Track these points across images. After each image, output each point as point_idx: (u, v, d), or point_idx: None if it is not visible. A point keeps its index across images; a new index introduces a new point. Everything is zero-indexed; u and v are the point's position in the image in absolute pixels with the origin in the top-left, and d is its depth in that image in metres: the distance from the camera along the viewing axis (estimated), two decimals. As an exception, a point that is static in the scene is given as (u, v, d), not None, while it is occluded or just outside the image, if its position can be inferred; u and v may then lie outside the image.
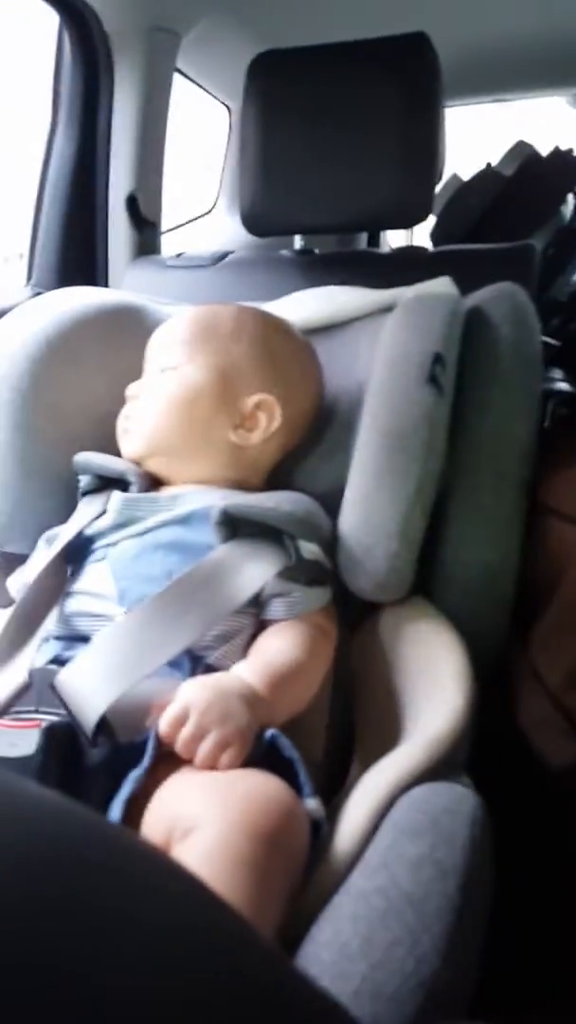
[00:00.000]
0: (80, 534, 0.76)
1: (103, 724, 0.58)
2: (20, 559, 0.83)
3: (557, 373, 1.88)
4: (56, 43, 1.35)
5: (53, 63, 1.36)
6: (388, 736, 0.65)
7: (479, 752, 0.64)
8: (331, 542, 0.75)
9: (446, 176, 2.03)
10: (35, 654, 0.68)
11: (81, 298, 0.92)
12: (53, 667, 0.63)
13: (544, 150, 1.91)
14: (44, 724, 0.57)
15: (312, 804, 0.56)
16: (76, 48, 1.33)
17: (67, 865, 0.28)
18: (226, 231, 1.89)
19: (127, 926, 0.27)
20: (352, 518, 0.74)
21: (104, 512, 0.78)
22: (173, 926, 0.28)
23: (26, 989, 0.23)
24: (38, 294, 1.06)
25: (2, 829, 0.28)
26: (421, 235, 2.12)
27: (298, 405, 0.84)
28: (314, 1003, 0.33)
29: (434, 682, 0.67)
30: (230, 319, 0.84)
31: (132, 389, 0.84)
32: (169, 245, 1.56)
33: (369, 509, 0.73)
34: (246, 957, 0.30)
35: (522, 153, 1.88)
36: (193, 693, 0.59)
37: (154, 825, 0.54)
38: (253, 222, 1.17)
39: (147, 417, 0.81)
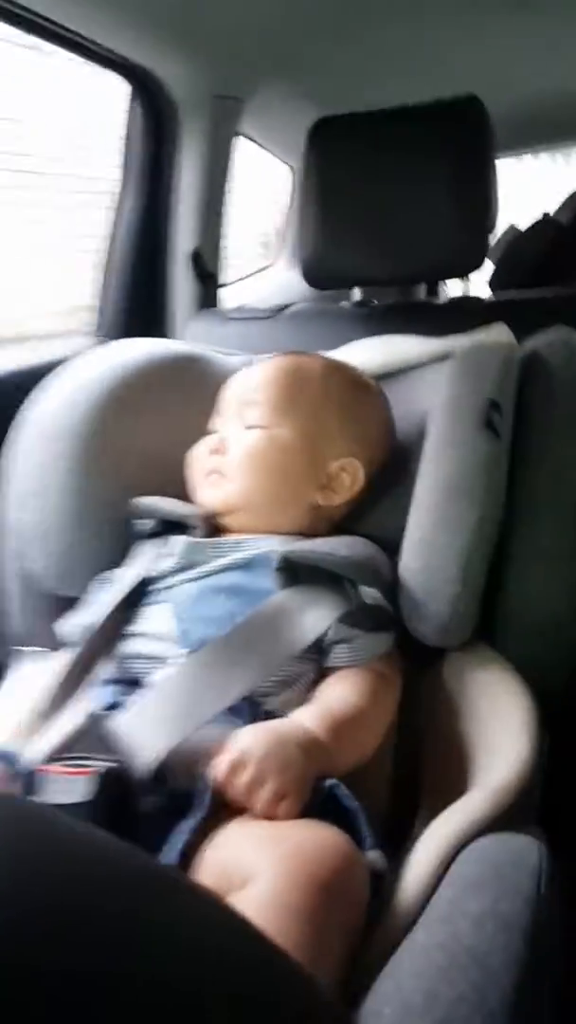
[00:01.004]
0: (141, 577, 0.76)
1: (158, 771, 0.57)
2: (69, 602, 0.83)
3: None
4: (128, 110, 1.40)
5: (124, 128, 1.41)
6: (454, 787, 0.63)
7: (553, 802, 0.61)
8: (392, 587, 0.73)
9: (504, 225, 2.05)
10: (91, 698, 0.68)
11: (143, 348, 0.94)
12: (109, 712, 0.62)
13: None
14: (99, 770, 0.56)
15: (373, 855, 0.54)
16: (144, 114, 1.38)
17: (113, 899, 0.27)
18: (287, 284, 1.92)
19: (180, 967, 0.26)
20: (413, 563, 0.73)
21: (164, 556, 0.77)
22: (221, 971, 0.27)
23: None
24: (102, 343, 1.09)
25: (61, 872, 0.27)
26: (477, 285, 2.12)
27: (377, 462, 0.84)
28: None
29: (500, 730, 0.65)
30: (318, 381, 0.83)
31: (215, 441, 0.82)
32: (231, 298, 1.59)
33: (430, 554, 0.72)
34: (305, 1004, 0.29)
35: (579, 202, 1.88)
36: (251, 740, 0.58)
37: (209, 875, 0.53)
38: (313, 275, 1.18)
39: (238, 475, 0.79)
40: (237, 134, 1.50)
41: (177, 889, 0.31)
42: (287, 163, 1.95)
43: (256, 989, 0.28)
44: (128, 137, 1.42)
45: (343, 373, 0.86)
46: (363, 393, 0.86)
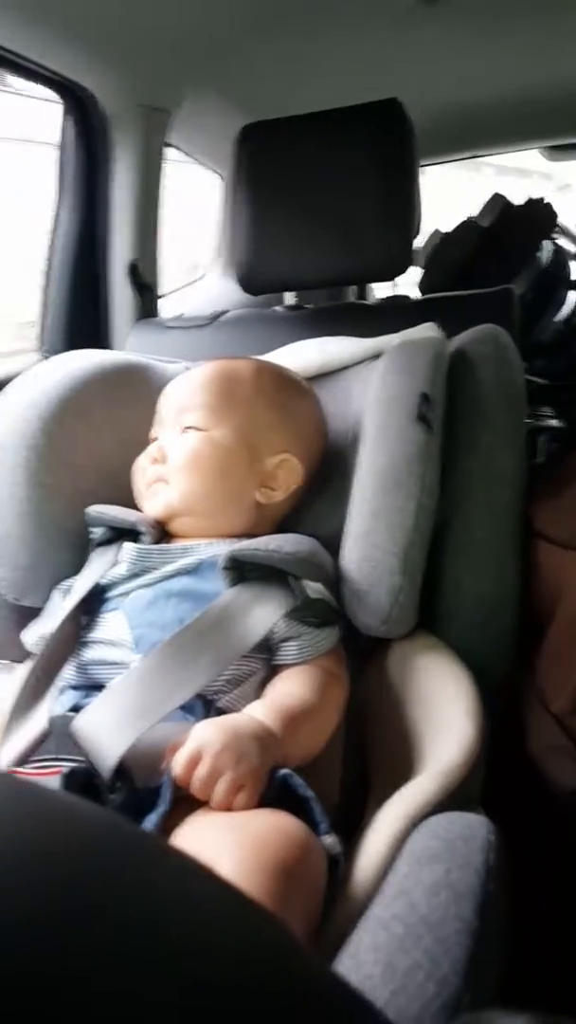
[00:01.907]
0: (95, 585, 0.76)
1: (121, 769, 0.57)
2: (33, 612, 0.83)
3: (547, 410, 1.90)
4: (61, 123, 1.39)
5: (58, 143, 1.40)
6: (401, 771, 0.64)
7: (492, 780, 0.63)
8: (335, 581, 0.74)
9: (429, 231, 2.08)
10: (54, 703, 0.67)
11: (88, 359, 0.94)
12: (71, 715, 0.62)
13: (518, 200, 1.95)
14: (65, 770, 0.57)
15: (328, 840, 0.55)
16: (76, 128, 1.37)
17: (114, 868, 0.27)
18: (223, 292, 1.92)
19: (163, 927, 0.26)
20: (354, 555, 0.74)
21: (117, 563, 0.78)
22: (211, 930, 0.28)
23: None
24: (46, 358, 1.08)
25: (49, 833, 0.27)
26: (404, 287, 2.15)
27: (313, 459, 0.85)
28: (350, 999, 0.32)
29: (444, 715, 0.66)
30: (249, 382, 0.84)
31: (154, 450, 0.82)
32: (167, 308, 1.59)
33: (370, 546, 0.73)
34: (288, 955, 0.29)
35: (499, 205, 1.92)
36: (206, 734, 0.59)
37: None
38: (247, 281, 1.19)
39: (178, 480, 0.80)
40: (167, 145, 1.50)
41: (164, 850, 0.32)
42: (217, 172, 1.95)
43: (237, 933, 0.28)
44: (62, 151, 1.41)
45: (273, 372, 0.87)
46: (294, 390, 0.87)
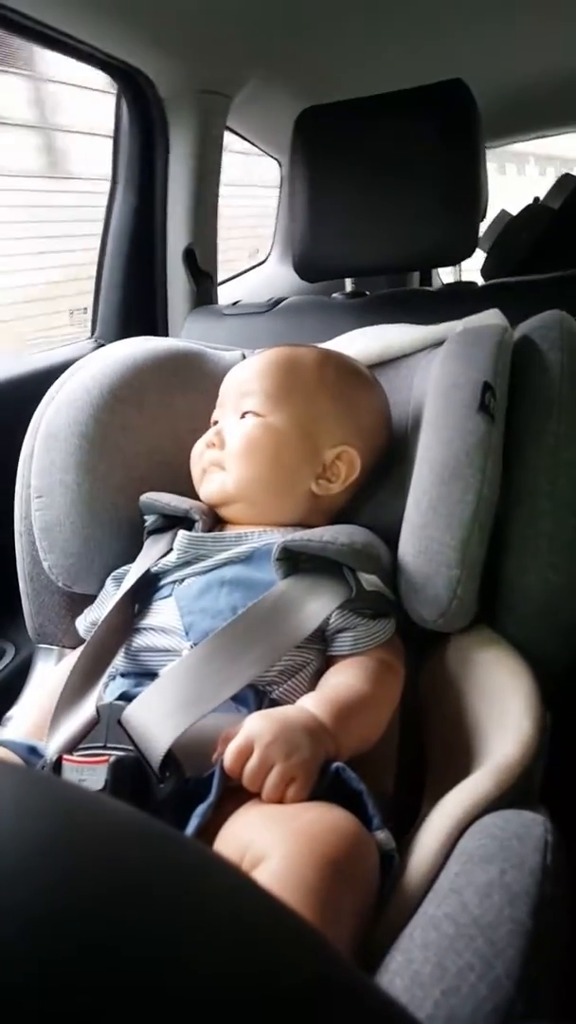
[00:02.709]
0: (147, 572, 0.77)
1: (170, 759, 0.58)
2: (89, 599, 0.85)
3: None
4: (115, 109, 1.40)
5: (113, 127, 1.42)
6: (458, 767, 0.64)
7: (556, 780, 0.62)
8: (392, 573, 0.74)
9: (495, 212, 2.05)
10: (103, 690, 0.69)
11: (141, 346, 0.95)
12: (121, 703, 0.63)
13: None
14: (112, 759, 0.58)
15: (381, 836, 0.55)
16: (133, 113, 1.39)
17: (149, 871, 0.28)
18: (280, 279, 1.93)
19: (201, 933, 0.26)
20: (411, 548, 0.73)
21: (170, 550, 0.79)
22: (250, 934, 0.28)
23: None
24: (100, 345, 1.10)
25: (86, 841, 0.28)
26: (470, 271, 2.12)
27: (374, 451, 0.85)
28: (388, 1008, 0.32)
29: (502, 710, 0.66)
30: (312, 370, 0.84)
31: (212, 435, 0.83)
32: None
33: (428, 538, 0.72)
34: (323, 963, 0.29)
35: (568, 186, 1.88)
36: (257, 726, 0.59)
37: None
38: (305, 268, 1.19)
39: (235, 464, 0.80)
40: (226, 130, 1.51)
41: (204, 859, 0.32)
42: (275, 157, 1.95)
43: (273, 951, 0.29)
44: (117, 136, 1.43)
45: (338, 362, 0.87)
46: (358, 381, 0.87)
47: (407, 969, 0.45)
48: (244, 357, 1.01)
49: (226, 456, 0.81)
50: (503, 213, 2.00)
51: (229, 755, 0.58)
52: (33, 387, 0.93)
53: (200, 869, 0.30)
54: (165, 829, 0.31)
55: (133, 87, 1.35)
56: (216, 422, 0.86)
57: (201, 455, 0.84)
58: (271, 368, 0.84)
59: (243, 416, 0.82)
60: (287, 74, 1.51)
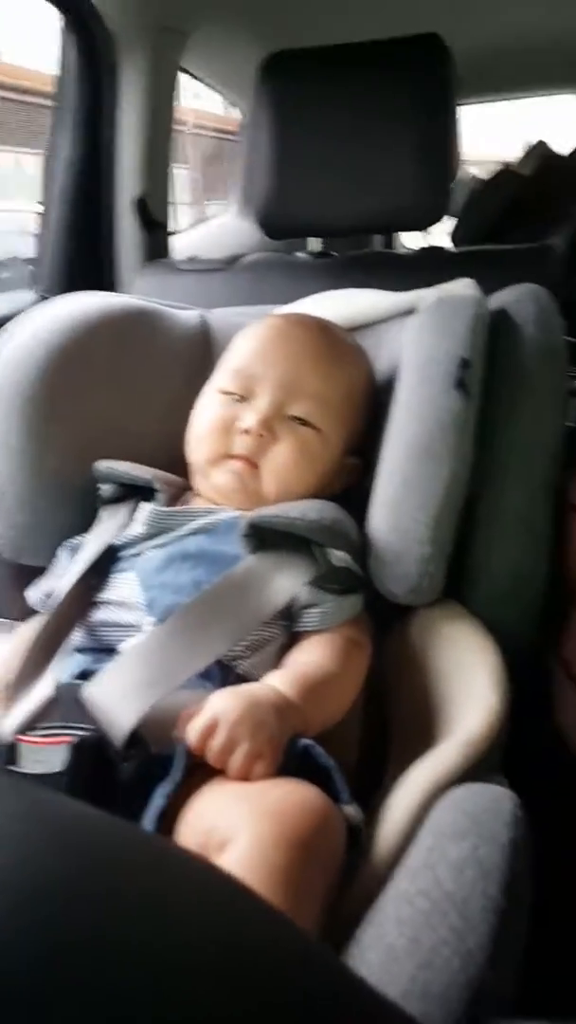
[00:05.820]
0: (108, 546, 0.78)
1: (133, 737, 0.60)
2: (37, 571, 0.85)
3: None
4: (60, 44, 1.38)
5: (57, 65, 1.39)
6: (423, 739, 0.68)
7: (514, 754, 0.66)
8: (360, 549, 0.77)
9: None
10: (61, 667, 0.70)
11: (91, 301, 0.94)
12: (80, 681, 0.64)
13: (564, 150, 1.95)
14: (73, 740, 0.58)
15: (350, 810, 0.58)
16: (79, 49, 1.36)
17: (105, 872, 0.29)
18: (238, 233, 1.92)
19: (169, 929, 0.28)
20: (381, 524, 0.76)
21: (132, 522, 0.80)
22: (217, 930, 0.30)
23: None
24: (44, 299, 1.08)
25: (37, 843, 0.29)
26: (437, 236, 2.15)
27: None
28: (368, 998, 0.35)
29: (467, 684, 0.69)
30: (365, 381, 0.87)
31: (255, 424, 0.79)
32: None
33: (399, 514, 0.75)
34: (294, 953, 0.32)
35: (541, 153, 1.92)
36: (222, 703, 0.61)
37: (188, 837, 0.56)
38: (268, 224, 1.19)
39: (279, 475, 0.79)
40: (181, 70, 1.49)
41: (163, 855, 0.34)
42: (235, 104, 1.94)
43: (250, 942, 0.31)
44: (62, 75, 1.40)
45: (369, 364, 0.90)
46: (375, 386, 0.90)
47: (380, 943, 0.48)
48: (202, 318, 1.02)
49: (270, 460, 0.80)
50: (473, 177, 2.04)
51: (194, 733, 0.59)
52: None
53: (157, 864, 0.32)
54: (117, 824, 0.32)
55: (79, 20, 1.32)
56: (239, 396, 0.82)
57: (229, 431, 0.81)
58: (332, 368, 0.83)
59: (297, 420, 0.81)
60: (250, 14, 1.50)
